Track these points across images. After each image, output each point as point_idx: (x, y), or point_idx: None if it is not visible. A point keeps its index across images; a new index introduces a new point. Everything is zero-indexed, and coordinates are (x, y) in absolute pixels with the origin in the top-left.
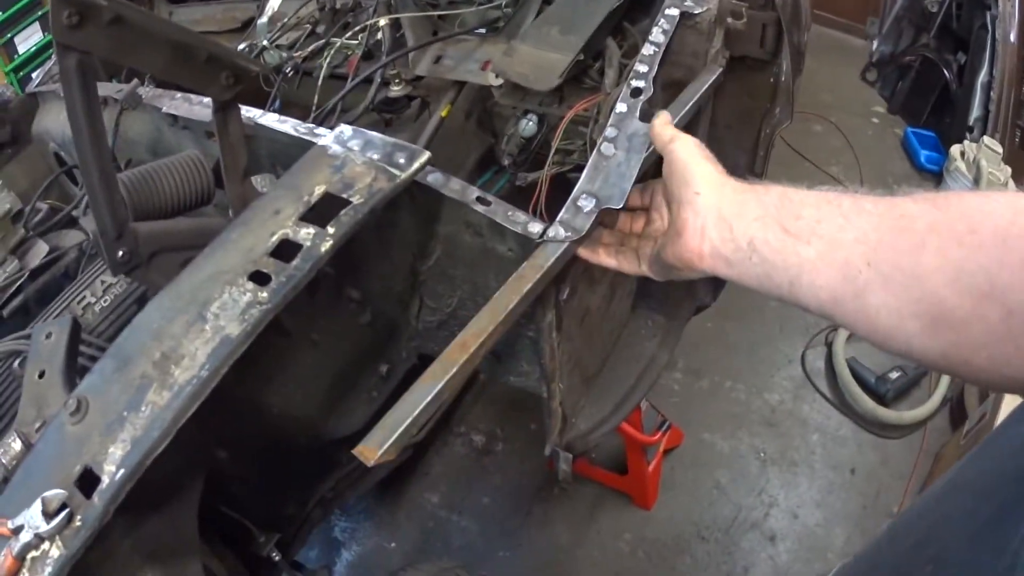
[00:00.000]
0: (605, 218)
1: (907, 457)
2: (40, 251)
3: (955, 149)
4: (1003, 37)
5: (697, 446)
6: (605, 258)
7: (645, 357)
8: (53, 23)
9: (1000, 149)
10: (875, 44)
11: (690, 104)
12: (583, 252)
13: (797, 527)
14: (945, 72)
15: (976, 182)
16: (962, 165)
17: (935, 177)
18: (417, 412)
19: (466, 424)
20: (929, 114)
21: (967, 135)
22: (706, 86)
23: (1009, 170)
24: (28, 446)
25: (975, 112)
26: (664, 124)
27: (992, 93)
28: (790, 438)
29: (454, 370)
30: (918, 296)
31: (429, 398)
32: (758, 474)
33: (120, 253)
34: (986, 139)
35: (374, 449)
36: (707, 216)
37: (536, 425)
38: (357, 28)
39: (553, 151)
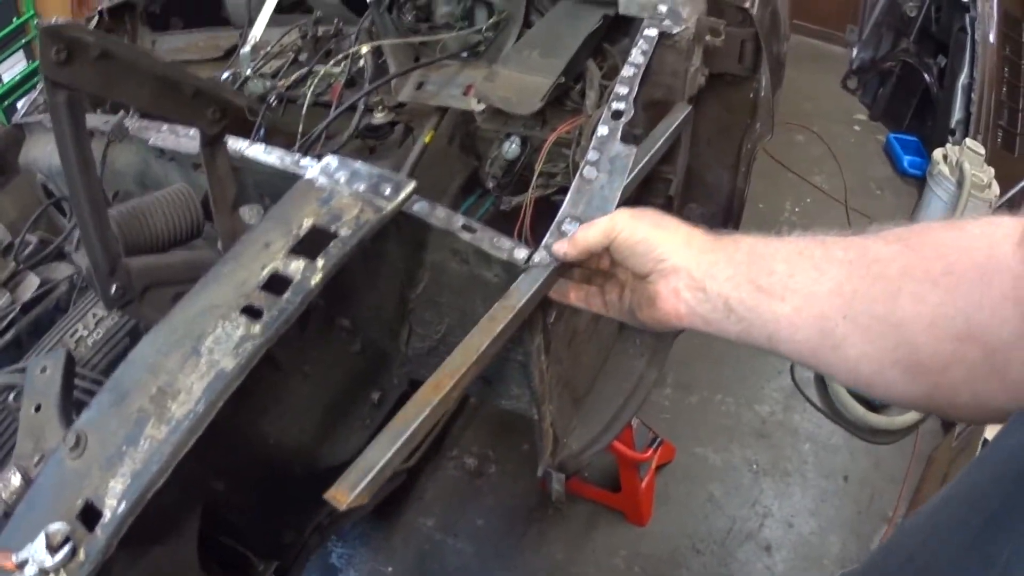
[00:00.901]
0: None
1: (899, 462)
2: (31, 284)
3: (938, 153)
4: (982, 38)
5: (689, 460)
6: (574, 299)
7: (634, 375)
8: (42, 60)
9: (983, 151)
10: (855, 51)
11: (656, 147)
12: (553, 295)
13: (792, 536)
14: (926, 76)
15: (959, 185)
16: (945, 168)
17: (918, 182)
18: (390, 455)
19: (458, 447)
20: (911, 119)
21: (949, 138)
22: (671, 128)
23: (992, 171)
24: (27, 480)
25: (956, 115)
26: (585, 233)
27: (973, 95)
28: (782, 448)
29: (427, 411)
30: (896, 344)
31: (401, 441)
32: (751, 485)
33: (113, 288)
34: (968, 141)
35: (345, 492)
36: (679, 279)
37: (528, 446)
38: (340, 56)
39: (536, 174)
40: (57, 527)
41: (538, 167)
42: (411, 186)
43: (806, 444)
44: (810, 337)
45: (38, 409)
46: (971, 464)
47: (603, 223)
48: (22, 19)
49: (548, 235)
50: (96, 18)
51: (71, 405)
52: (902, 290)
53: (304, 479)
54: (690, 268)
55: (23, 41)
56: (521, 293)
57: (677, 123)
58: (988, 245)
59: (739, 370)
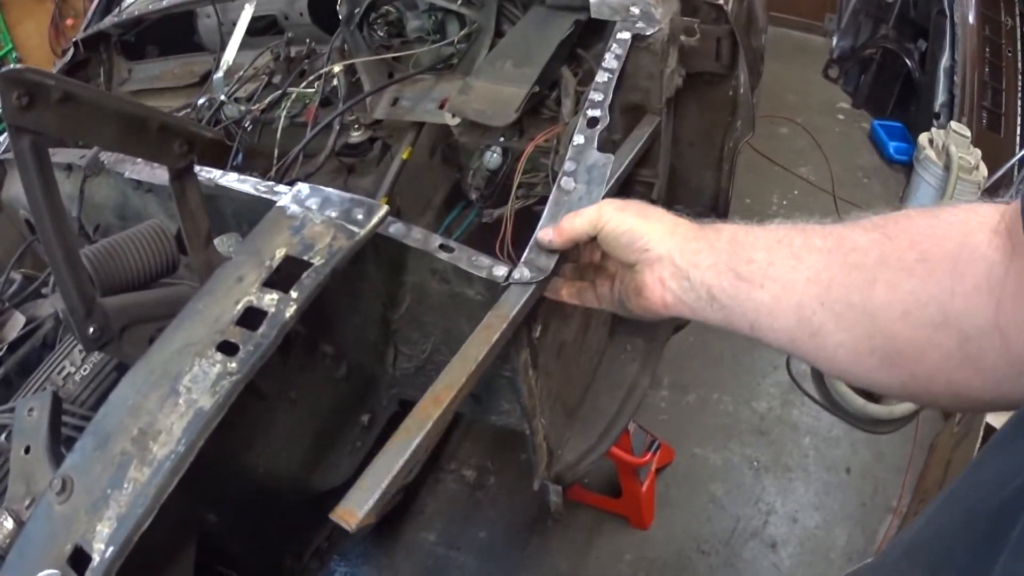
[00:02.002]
0: (570, 253)
1: (902, 451)
2: (17, 323)
3: (923, 137)
4: (962, 20)
5: (689, 462)
6: (566, 296)
7: (627, 382)
8: (3, 106)
9: (968, 133)
10: (835, 40)
11: (628, 161)
12: (545, 293)
13: (797, 531)
14: (907, 61)
15: (947, 168)
16: (931, 153)
17: (905, 167)
18: (395, 471)
19: (456, 460)
20: (894, 105)
21: (934, 122)
22: (640, 143)
23: (979, 153)
24: (19, 523)
25: (940, 98)
26: (571, 222)
27: (955, 77)
28: (782, 444)
29: (428, 426)
30: (872, 332)
31: (406, 456)
32: (753, 483)
33: (91, 330)
34: (953, 124)
35: (354, 511)
36: (663, 267)
37: (527, 455)
38: (312, 76)
39: (516, 185)
40: (47, 574)
41: (516, 178)
42: (383, 210)
43: (806, 438)
44: (789, 325)
45: (27, 451)
46: (952, 488)
47: (589, 212)
48: (1, 53)
49: (528, 250)
50: (72, 49)
51: (60, 446)
52: (877, 278)
53: (299, 505)
54: (674, 257)
55: None
56: (513, 302)
57: (644, 139)
58: (963, 233)
59: (735, 368)
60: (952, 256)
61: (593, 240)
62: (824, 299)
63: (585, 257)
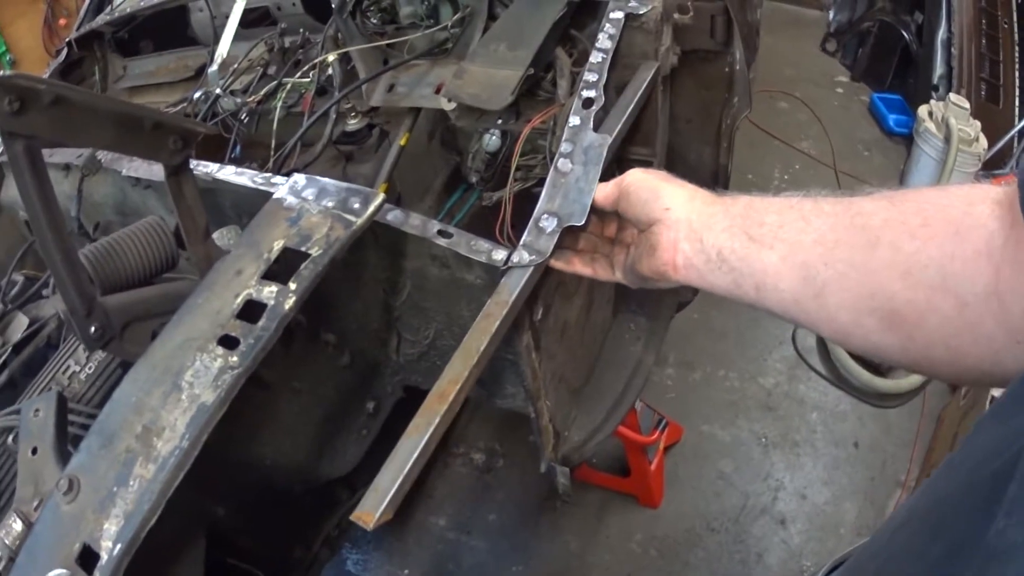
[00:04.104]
0: (568, 235)
1: (909, 424)
2: (21, 324)
3: (923, 110)
4: None
5: (697, 439)
6: (580, 267)
7: (632, 361)
8: None
9: (967, 105)
10: (831, 14)
11: (630, 108)
12: (557, 264)
13: (807, 507)
14: (904, 33)
15: (947, 140)
16: (931, 125)
17: (905, 140)
18: (408, 469)
19: (464, 443)
20: (893, 77)
21: (933, 94)
22: (642, 88)
23: (979, 124)
24: (28, 525)
25: (938, 70)
26: (603, 190)
27: (953, 49)
28: (789, 419)
29: (437, 421)
30: (872, 292)
31: (416, 453)
32: (761, 459)
33: (92, 329)
34: (952, 96)
35: (371, 513)
36: (679, 229)
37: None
38: (307, 66)
39: (514, 168)
40: (57, 573)
41: (514, 161)
42: (380, 198)
43: (813, 413)
44: (794, 286)
45: (35, 452)
46: (937, 473)
47: (615, 179)
48: None
49: (526, 233)
50: (65, 49)
51: (67, 445)
52: (881, 239)
53: (307, 494)
54: (691, 219)
55: None
56: (512, 288)
57: (646, 83)
58: (967, 203)
59: (741, 343)
60: (955, 221)
61: (612, 213)
62: (828, 259)
63: (598, 231)
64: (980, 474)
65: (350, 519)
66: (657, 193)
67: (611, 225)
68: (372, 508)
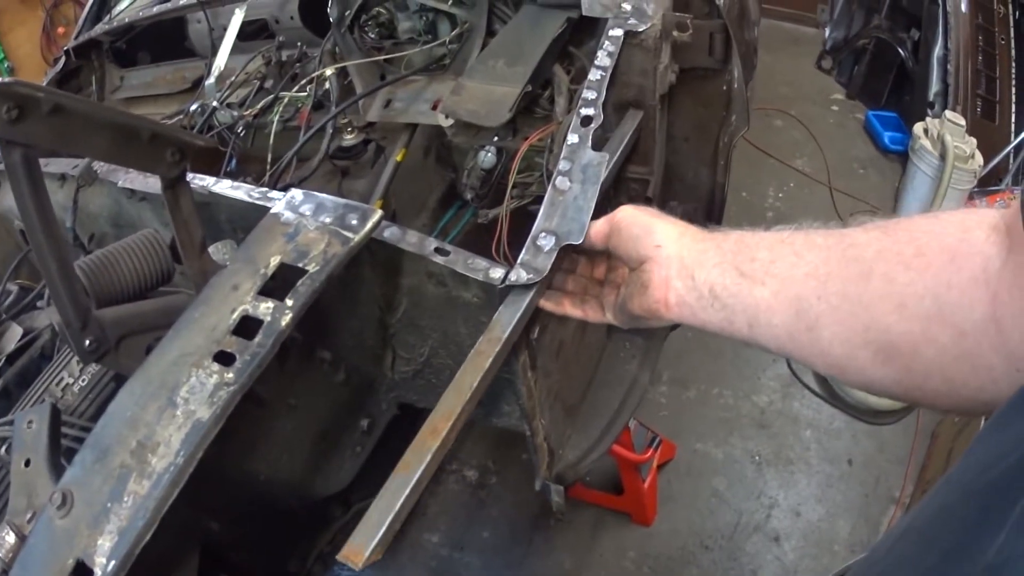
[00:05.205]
0: (566, 257)
1: (903, 441)
2: (14, 335)
3: (918, 127)
4: (955, 8)
5: (691, 457)
6: (570, 309)
7: (627, 379)
8: None
9: (963, 122)
10: (827, 31)
11: (616, 156)
12: (547, 305)
13: (800, 524)
14: (900, 51)
15: (943, 158)
16: (927, 142)
17: (901, 157)
18: (398, 507)
19: (458, 460)
20: (888, 95)
21: (928, 111)
22: (626, 139)
23: (975, 141)
24: (21, 537)
25: (934, 87)
26: (595, 227)
27: (949, 66)
28: (783, 437)
29: (428, 458)
30: (867, 325)
31: (407, 491)
32: (755, 477)
33: (87, 342)
34: (948, 113)
35: (360, 551)
36: (671, 266)
37: (528, 454)
38: (304, 80)
39: (511, 185)
40: None
41: (511, 178)
42: (377, 215)
43: (807, 431)
44: (787, 321)
45: (28, 464)
46: (936, 486)
47: (606, 216)
48: None
49: (524, 251)
50: (63, 58)
51: (60, 457)
52: (874, 271)
53: (301, 511)
54: (682, 256)
55: None
56: (505, 324)
57: (628, 135)
58: (961, 229)
59: (735, 362)
60: (950, 249)
61: (602, 254)
62: (821, 292)
63: (588, 272)
64: (977, 483)
65: (336, 559)
66: (648, 230)
67: (600, 266)
68: (361, 547)
